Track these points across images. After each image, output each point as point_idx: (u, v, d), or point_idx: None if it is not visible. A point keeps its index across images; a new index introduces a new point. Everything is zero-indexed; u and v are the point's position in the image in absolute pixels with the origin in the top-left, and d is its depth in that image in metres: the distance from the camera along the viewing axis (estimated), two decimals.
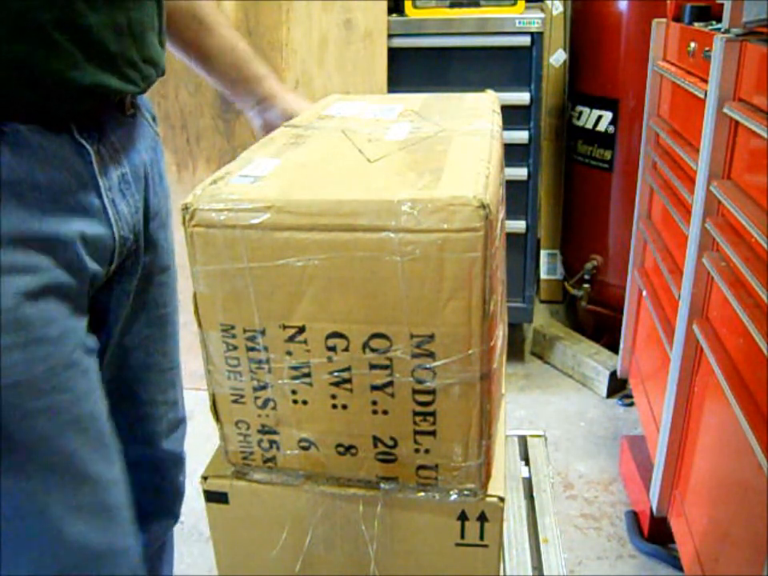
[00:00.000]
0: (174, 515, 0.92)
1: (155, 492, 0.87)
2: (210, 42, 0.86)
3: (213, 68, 0.88)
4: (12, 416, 0.58)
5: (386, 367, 0.53)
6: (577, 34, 2.21)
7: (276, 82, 0.91)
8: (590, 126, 2.08)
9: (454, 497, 0.57)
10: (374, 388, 0.54)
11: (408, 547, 0.61)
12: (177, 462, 0.90)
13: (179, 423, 0.89)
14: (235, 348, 0.56)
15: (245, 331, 0.55)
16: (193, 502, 0.88)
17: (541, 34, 1.88)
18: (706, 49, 1.12)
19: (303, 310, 0.52)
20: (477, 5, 1.90)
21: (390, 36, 1.90)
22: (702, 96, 1.11)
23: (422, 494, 0.58)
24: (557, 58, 2.28)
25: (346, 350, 0.53)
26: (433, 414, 0.54)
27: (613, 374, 2.01)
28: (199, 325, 0.56)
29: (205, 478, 0.61)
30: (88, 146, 0.62)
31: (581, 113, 2.11)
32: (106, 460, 0.67)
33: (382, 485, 0.59)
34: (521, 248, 2.06)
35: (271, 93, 0.90)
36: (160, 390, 0.84)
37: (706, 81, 1.09)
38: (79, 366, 0.63)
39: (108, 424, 0.67)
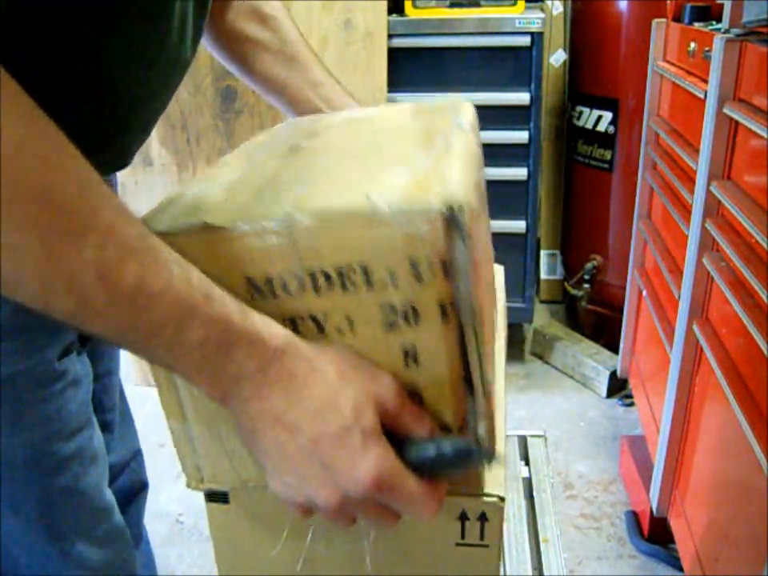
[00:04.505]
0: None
1: None
2: (299, 80, 0.78)
3: (298, 107, 0.79)
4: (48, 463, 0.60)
5: None
6: (577, 34, 2.21)
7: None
8: (590, 126, 2.08)
9: (454, 497, 0.57)
10: None
11: (408, 547, 0.60)
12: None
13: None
14: None
15: None
16: (193, 502, 0.88)
17: (541, 34, 1.88)
18: (706, 49, 1.12)
19: None
20: (477, 5, 1.90)
21: (389, 36, 1.90)
22: (701, 96, 1.11)
23: None
24: (557, 57, 2.28)
25: None
26: None
27: (613, 374, 2.01)
28: None
29: None
30: None
31: (581, 113, 2.11)
32: (106, 483, 0.68)
33: None
34: (521, 248, 2.06)
35: None
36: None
37: (705, 81, 1.09)
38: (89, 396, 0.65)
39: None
